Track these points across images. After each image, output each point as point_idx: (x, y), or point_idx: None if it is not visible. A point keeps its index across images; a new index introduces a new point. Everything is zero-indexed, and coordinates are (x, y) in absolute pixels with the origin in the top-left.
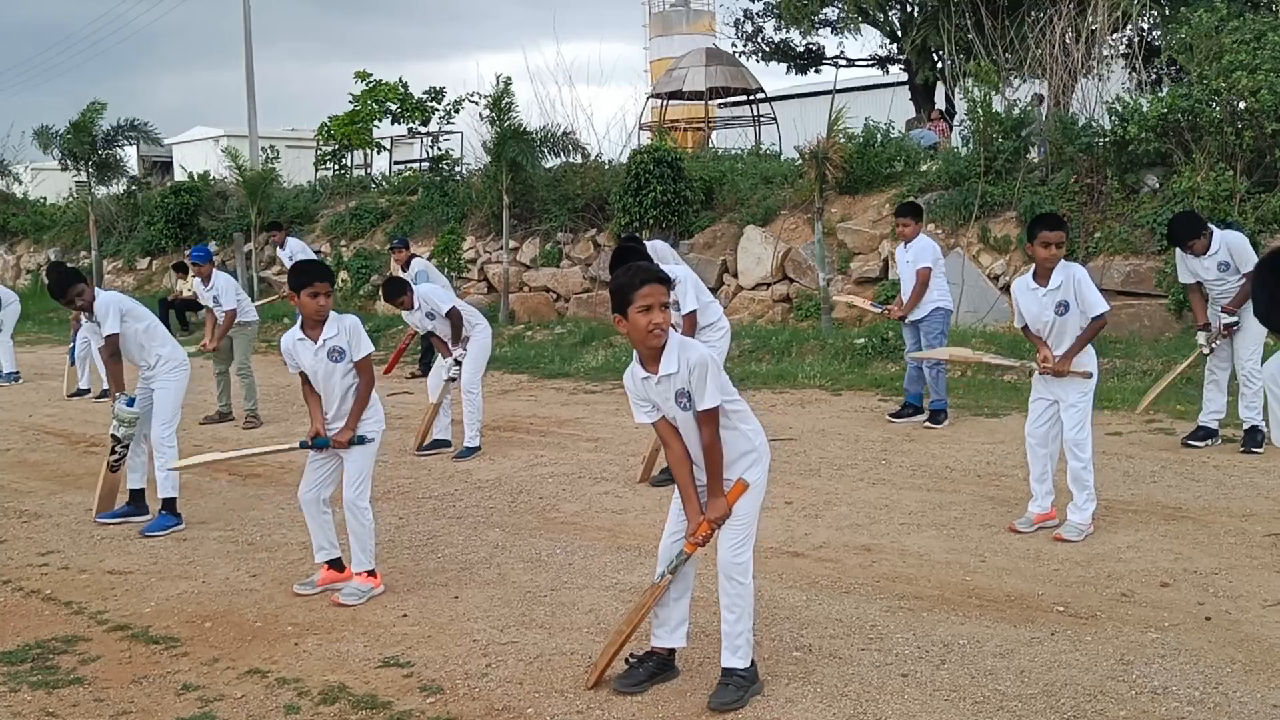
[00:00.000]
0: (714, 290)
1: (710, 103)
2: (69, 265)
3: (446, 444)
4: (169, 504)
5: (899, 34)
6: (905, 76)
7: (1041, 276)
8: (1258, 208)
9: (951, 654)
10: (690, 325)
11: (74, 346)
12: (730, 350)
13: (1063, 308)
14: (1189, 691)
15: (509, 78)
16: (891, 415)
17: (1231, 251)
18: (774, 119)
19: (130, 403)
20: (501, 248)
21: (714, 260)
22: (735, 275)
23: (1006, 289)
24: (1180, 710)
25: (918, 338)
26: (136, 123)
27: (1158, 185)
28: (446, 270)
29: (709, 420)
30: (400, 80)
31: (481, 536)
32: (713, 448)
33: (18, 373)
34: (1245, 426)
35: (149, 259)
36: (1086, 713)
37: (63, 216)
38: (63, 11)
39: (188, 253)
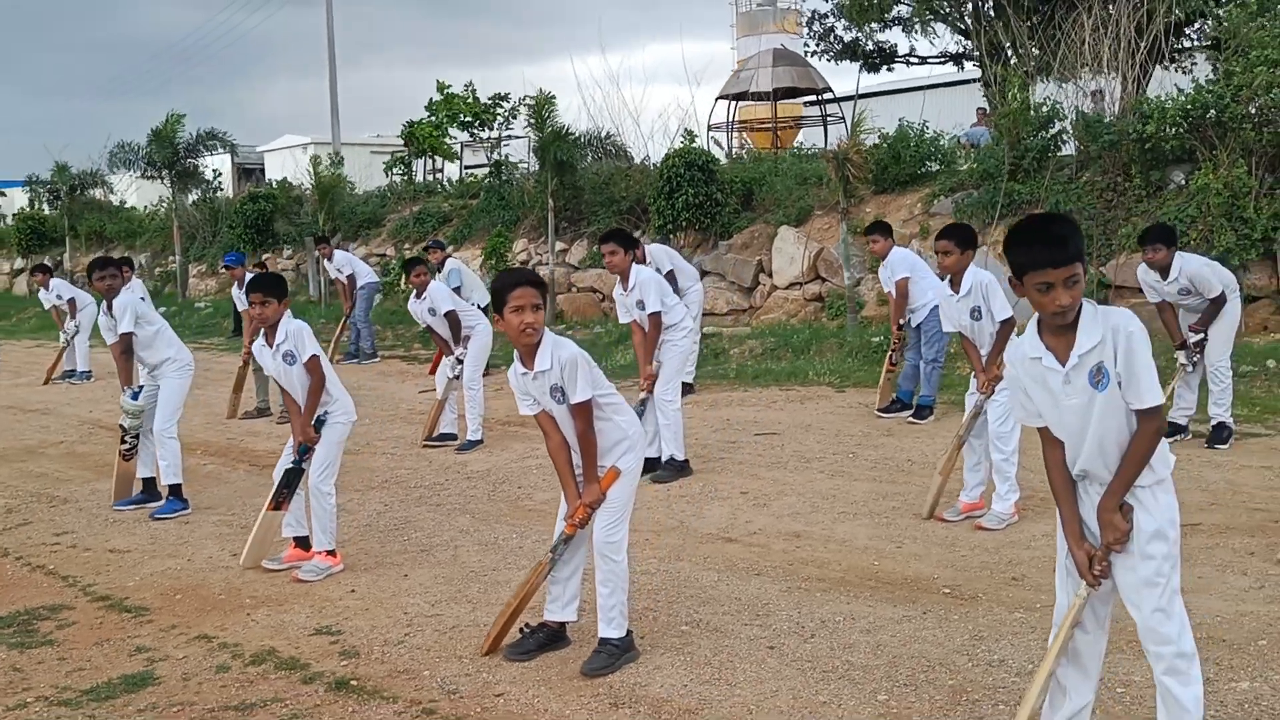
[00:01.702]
0: (749, 290)
1: (794, 102)
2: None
3: (453, 437)
4: (175, 490)
5: (970, 31)
6: (979, 73)
7: (954, 284)
8: (1273, 203)
9: (823, 629)
10: (655, 325)
11: None
12: (754, 348)
13: (976, 313)
14: (1024, 664)
15: (551, 93)
16: (880, 410)
17: (1193, 280)
18: (841, 119)
19: (135, 396)
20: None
21: (750, 260)
22: (770, 275)
23: None
24: (1006, 681)
25: (919, 337)
26: (216, 132)
27: (1184, 182)
28: (493, 272)
29: (581, 413)
30: (467, 87)
31: (451, 522)
32: (585, 437)
33: (90, 371)
34: (1212, 423)
35: None
36: (919, 681)
37: (150, 223)
38: (170, 21)
39: (223, 259)
